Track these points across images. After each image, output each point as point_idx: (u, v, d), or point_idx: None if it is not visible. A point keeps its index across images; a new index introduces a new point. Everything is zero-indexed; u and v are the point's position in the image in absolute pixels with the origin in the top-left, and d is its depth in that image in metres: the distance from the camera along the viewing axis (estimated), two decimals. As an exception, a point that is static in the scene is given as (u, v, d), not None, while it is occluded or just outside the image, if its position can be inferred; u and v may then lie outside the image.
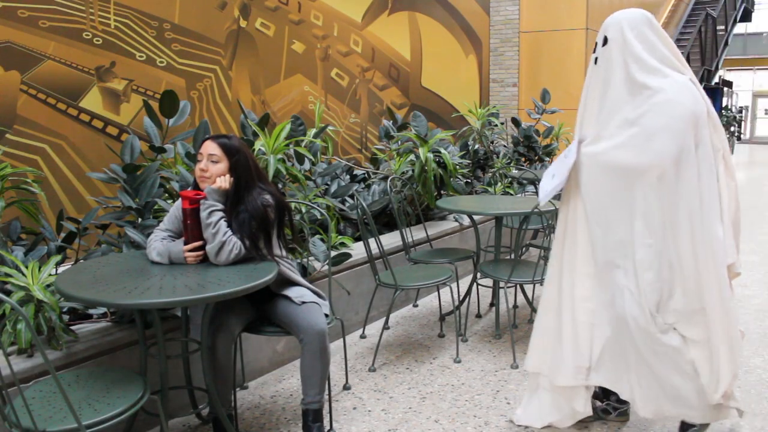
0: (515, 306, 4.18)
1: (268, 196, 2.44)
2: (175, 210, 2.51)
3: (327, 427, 2.66)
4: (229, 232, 2.34)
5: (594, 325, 2.45)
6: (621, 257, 2.35)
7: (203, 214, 2.34)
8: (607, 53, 2.35)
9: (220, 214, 2.36)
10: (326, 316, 2.56)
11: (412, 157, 4.73)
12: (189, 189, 2.51)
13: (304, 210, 3.47)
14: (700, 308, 2.27)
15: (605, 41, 2.36)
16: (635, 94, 2.27)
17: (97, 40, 3.99)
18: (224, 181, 2.39)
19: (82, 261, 2.74)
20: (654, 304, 2.30)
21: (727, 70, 24.32)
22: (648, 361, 2.33)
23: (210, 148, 2.39)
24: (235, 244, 2.33)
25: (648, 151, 2.24)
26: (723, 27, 14.25)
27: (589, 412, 2.56)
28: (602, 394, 2.70)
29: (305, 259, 3.40)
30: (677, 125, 2.21)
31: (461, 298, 4.08)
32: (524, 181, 5.97)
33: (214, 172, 2.39)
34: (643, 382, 2.37)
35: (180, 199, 2.47)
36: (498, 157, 6.05)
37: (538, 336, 2.59)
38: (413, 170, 4.68)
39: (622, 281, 2.35)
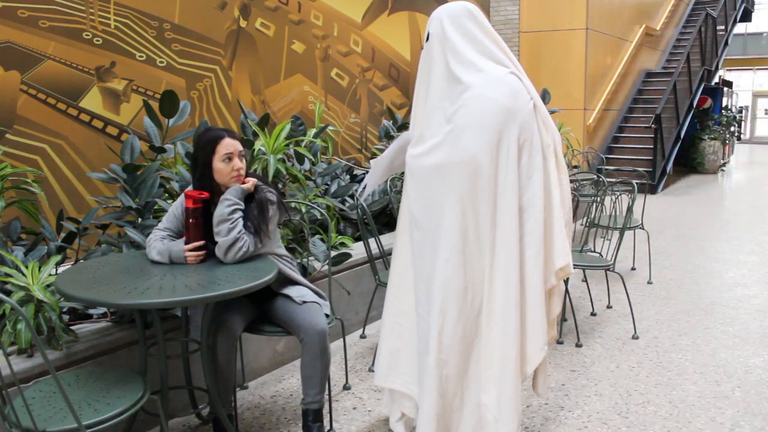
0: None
1: (272, 195, 2.46)
2: (175, 209, 2.50)
3: (327, 427, 2.66)
4: (244, 231, 2.35)
5: (411, 331, 2.36)
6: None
7: (225, 210, 2.33)
8: (430, 49, 2.28)
9: (241, 213, 2.37)
10: (327, 316, 2.56)
11: (412, 157, 4.72)
12: (190, 188, 2.51)
13: (304, 210, 3.47)
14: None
15: (428, 37, 2.29)
16: (452, 90, 2.20)
17: (97, 40, 3.99)
18: (252, 183, 2.42)
19: (82, 261, 2.74)
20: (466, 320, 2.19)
21: (727, 70, 24.30)
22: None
23: (237, 145, 2.41)
24: (246, 242, 2.33)
25: (458, 149, 2.15)
26: (723, 27, 14.23)
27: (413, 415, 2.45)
28: None
29: (305, 259, 3.40)
30: (486, 121, 2.12)
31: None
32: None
33: (244, 169, 2.43)
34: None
35: (181, 197, 2.47)
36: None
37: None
38: (413, 170, 4.67)
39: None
